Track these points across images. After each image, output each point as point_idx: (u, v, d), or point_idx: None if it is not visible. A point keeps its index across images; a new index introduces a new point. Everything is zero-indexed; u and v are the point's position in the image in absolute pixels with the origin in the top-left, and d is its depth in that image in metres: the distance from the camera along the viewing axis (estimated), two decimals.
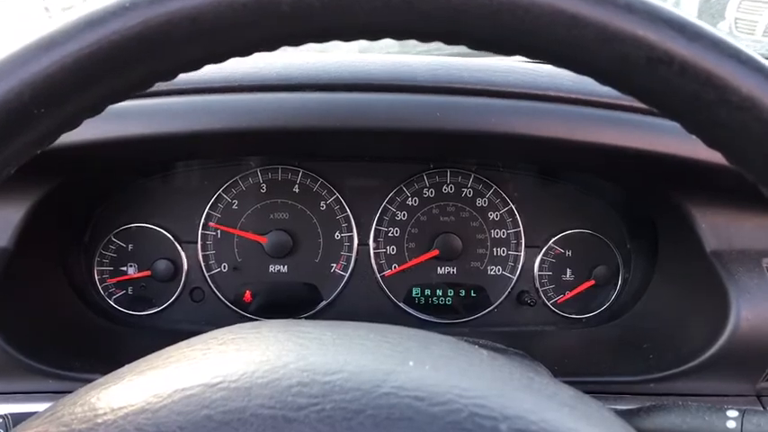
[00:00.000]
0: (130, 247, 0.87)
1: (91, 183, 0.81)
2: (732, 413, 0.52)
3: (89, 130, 0.64)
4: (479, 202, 0.90)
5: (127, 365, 0.37)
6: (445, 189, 0.90)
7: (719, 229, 0.72)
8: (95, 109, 0.37)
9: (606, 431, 0.35)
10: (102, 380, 0.36)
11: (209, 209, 0.87)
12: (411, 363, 0.36)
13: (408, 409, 0.33)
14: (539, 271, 0.90)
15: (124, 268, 0.87)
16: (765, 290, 0.69)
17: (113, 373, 0.36)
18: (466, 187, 0.89)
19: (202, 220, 0.87)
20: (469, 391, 0.34)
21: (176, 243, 0.87)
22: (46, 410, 0.35)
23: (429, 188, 0.90)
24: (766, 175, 0.36)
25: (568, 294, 0.90)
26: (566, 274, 0.90)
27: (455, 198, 0.90)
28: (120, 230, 0.87)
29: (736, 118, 0.34)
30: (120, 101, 0.37)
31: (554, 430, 0.33)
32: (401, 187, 0.89)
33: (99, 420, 0.33)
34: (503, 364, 0.39)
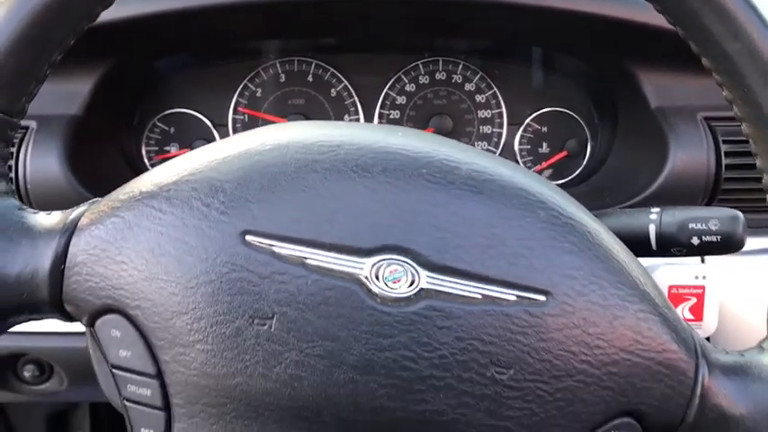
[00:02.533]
0: (172, 129, 1.03)
1: (138, 71, 0.97)
2: (655, 209, 0.62)
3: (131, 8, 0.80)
4: (468, 86, 1.05)
5: None
6: (438, 76, 1.05)
7: (662, 88, 0.87)
8: None
9: (545, 189, 0.49)
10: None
11: (238, 96, 1.03)
12: (400, 134, 0.51)
13: (398, 154, 0.46)
14: (519, 145, 1.05)
15: (168, 147, 1.03)
16: (697, 138, 0.85)
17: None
18: (456, 74, 1.05)
19: (232, 106, 1.03)
20: (444, 148, 0.47)
21: (211, 126, 1.03)
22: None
23: (424, 75, 1.05)
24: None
25: (544, 164, 1.05)
26: (542, 147, 1.05)
27: (446, 84, 1.05)
28: (164, 115, 1.03)
29: None
30: None
31: (500, 174, 0.48)
32: (400, 75, 1.04)
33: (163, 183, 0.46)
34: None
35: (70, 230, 0.45)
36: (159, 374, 0.44)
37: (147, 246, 0.43)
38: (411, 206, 0.44)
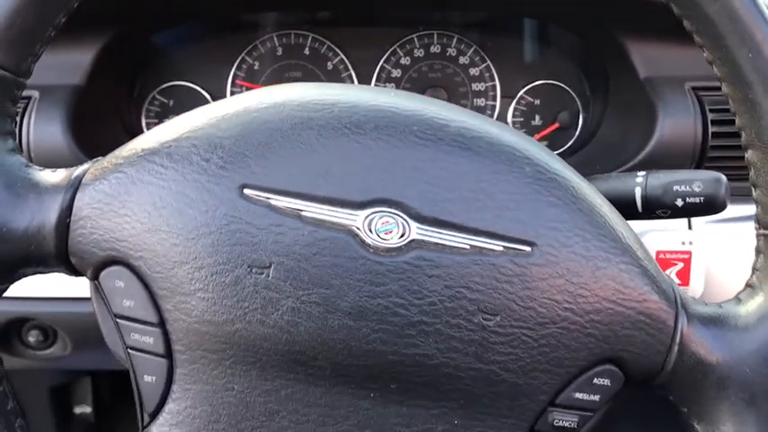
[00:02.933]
0: (171, 102, 1.05)
1: (137, 44, 0.98)
2: (641, 173, 0.64)
3: None
4: (462, 59, 1.06)
5: None
6: (432, 49, 1.06)
7: (650, 59, 0.89)
8: None
9: (531, 146, 0.50)
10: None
11: (236, 69, 1.05)
12: (392, 94, 0.53)
13: (389, 112, 0.48)
14: (512, 118, 1.07)
15: (167, 119, 1.05)
16: (685, 106, 0.87)
17: None
18: (450, 47, 1.06)
19: (230, 79, 1.05)
20: (433, 107, 0.49)
21: (209, 98, 1.05)
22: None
23: (419, 49, 1.06)
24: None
25: (537, 136, 1.07)
26: (534, 120, 1.07)
27: (441, 57, 1.07)
28: (163, 88, 1.05)
29: None
30: None
31: (488, 132, 0.50)
32: (395, 48, 1.06)
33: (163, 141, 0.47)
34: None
35: (75, 186, 0.47)
36: (161, 323, 0.46)
37: (149, 199, 0.45)
38: (402, 161, 0.46)
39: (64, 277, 0.79)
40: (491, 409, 0.46)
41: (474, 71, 1.06)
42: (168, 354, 0.46)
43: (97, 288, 0.48)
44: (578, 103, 1.06)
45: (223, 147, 0.46)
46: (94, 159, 0.49)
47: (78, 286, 0.81)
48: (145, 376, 0.47)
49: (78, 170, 0.48)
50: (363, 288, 0.44)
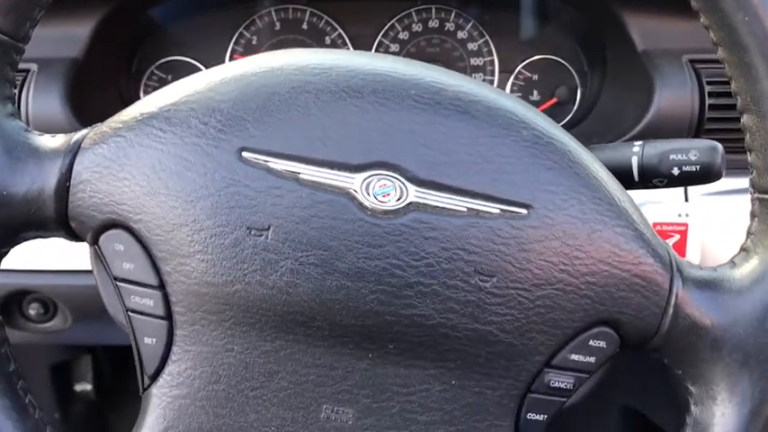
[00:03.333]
0: (170, 77, 1.05)
1: (135, 18, 0.98)
2: (638, 142, 0.64)
3: None
4: (460, 34, 1.06)
5: None
6: (431, 24, 1.06)
7: (648, 31, 0.89)
8: None
9: (528, 111, 0.50)
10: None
11: (234, 44, 1.05)
12: (389, 59, 0.52)
13: (387, 76, 0.48)
14: (510, 92, 1.08)
15: None
16: (682, 79, 0.87)
17: None
18: (448, 22, 1.06)
19: (228, 53, 1.05)
20: (431, 72, 0.49)
21: None
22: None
23: (417, 23, 1.06)
24: None
25: None
26: (532, 95, 1.07)
27: (439, 32, 1.06)
28: (161, 63, 1.05)
29: None
30: None
31: (485, 96, 0.50)
32: (393, 23, 1.06)
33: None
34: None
35: (74, 150, 0.47)
36: (161, 285, 0.46)
37: (148, 162, 0.46)
38: (399, 125, 0.46)
39: (64, 249, 0.79)
40: (487, 370, 0.47)
41: (472, 46, 1.06)
42: (168, 316, 0.47)
43: (97, 253, 0.48)
44: (576, 77, 1.06)
45: (221, 110, 0.46)
46: (93, 125, 0.49)
47: (78, 258, 0.82)
48: (145, 338, 0.47)
49: (77, 135, 0.49)
50: (361, 250, 0.45)
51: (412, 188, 0.46)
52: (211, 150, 0.45)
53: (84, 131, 0.49)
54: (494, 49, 1.06)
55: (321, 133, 0.46)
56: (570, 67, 1.06)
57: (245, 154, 0.45)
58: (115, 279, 0.47)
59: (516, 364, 0.47)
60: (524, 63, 1.06)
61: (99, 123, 0.50)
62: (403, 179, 0.46)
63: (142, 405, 0.49)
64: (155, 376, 0.48)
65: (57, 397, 1.32)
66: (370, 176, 0.46)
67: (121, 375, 1.50)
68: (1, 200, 0.46)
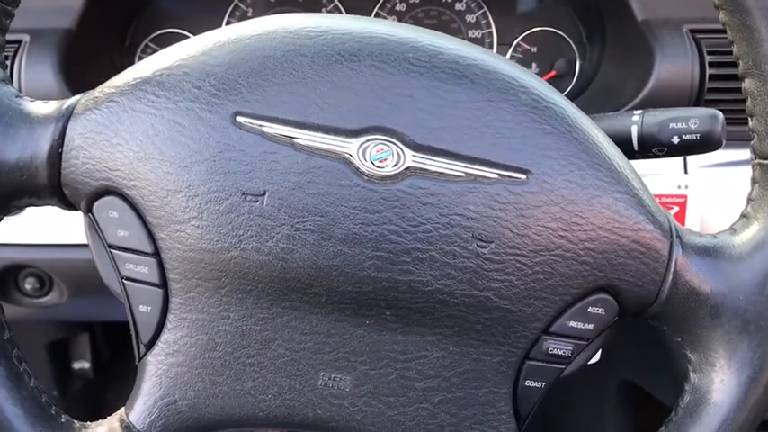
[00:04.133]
0: None
1: None
2: (637, 111, 0.64)
3: None
4: (458, 6, 1.05)
5: None
6: None
7: (647, 1, 0.88)
8: None
9: (527, 76, 0.49)
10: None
11: (229, 16, 1.04)
12: (386, 23, 0.51)
13: (383, 39, 0.47)
14: None
15: None
16: (682, 48, 0.86)
17: None
18: None
19: (224, 26, 1.04)
20: (428, 36, 0.48)
21: None
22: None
23: None
24: None
25: None
26: (531, 68, 1.06)
27: (437, 3, 1.05)
28: (156, 36, 1.03)
29: None
30: None
31: (483, 60, 0.49)
32: None
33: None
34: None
35: (66, 116, 0.47)
36: (156, 252, 0.46)
37: (141, 128, 0.45)
38: (396, 89, 0.45)
39: (59, 223, 0.79)
40: (485, 336, 0.46)
41: (470, 18, 1.05)
42: (163, 283, 0.46)
43: (91, 221, 0.48)
44: (575, 50, 1.05)
45: (215, 74, 0.45)
46: (86, 91, 0.48)
47: (74, 232, 0.82)
48: (140, 306, 0.47)
49: (70, 101, 0.48)
50: (358, 215, 0.44)
51: (409, 153, 0.45)
52: (205, 115, 0.45)
53: (77, 97, 0.48)
54: (492, 22, 1.05)
55: (317, 97, 0.45)
56: (569, 39, 1.05)
57: (239, 118, 0.45)
58: (109, 247, 0.47)
59: (514, 331, 0.47)
60: (523, 35, 1.05)
61: (92, 90, 0.49)
62: (400, 144, 0.45)
63: (138, 373, 0.48)
64: (150, 344, 0.47)
65: (55, 375, 1.32)
66: (366, 141, 0.45)
67: (119, 353, 1.50)
68: None
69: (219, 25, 1.03)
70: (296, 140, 0.45)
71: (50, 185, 0.46)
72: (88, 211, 0.47)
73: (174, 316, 0.46)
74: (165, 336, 0.47)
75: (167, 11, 1.03)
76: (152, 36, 1.03)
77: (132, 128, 0.45)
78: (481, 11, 1.05)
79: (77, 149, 0.46)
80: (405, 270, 0.44)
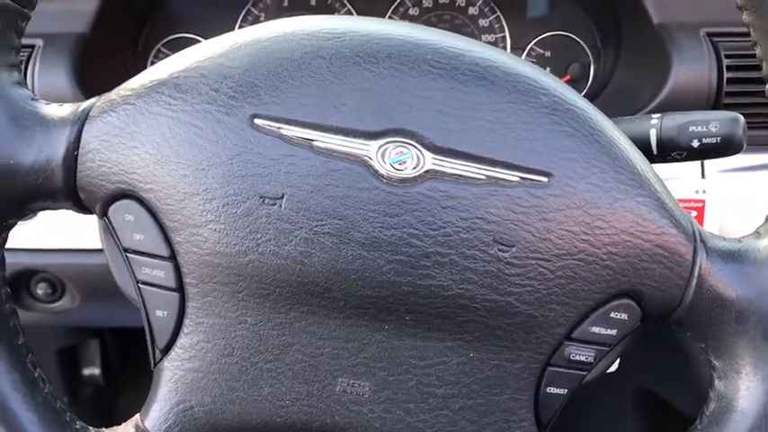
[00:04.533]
0: None
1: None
2: (656, 115, 0.63)
3: None
4: (471, 10, 1.05)
5: None
6: (441, 0, 1.05)
7: (664, 4, 0.87)
8: None
9: (547, 78, 0.48)
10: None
11: (241, 21, 1.03)
12: (404, 25, 0.51)
13: (402, 41, 0.46)
14: None
15: None
16: (699, 52, 0.85)
17: None
18: None
19: (236, 30, 1.03)
20: (447, 38, 0.48)
21: None
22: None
23: None
24: None
25: None
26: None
27: (450, 8, 1.05)
28: (168, 40, 1.03)
29: None
30: None
31: (503, 62, 0.48)
32: None
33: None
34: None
35: (82, 119, 0.46)
36: (172, 256, 0.45)
37: (158, 130, 0.45)
38: (416, 91, 0.45)
39: (72, 228, 0.78)
40: (506, 342, 0.46)
41: (483, 22, 1.05)
42: (180, 287, 0.46)
43: (106, 225, 0.47)
44: (589, 54, 1.05)
45: (232, 76, 0.45)
46: (102, 94, 0.48)
47: (86, 237, 0.81)
48: (156, 311, 0.46)
49: (86, 103, 0.47)
50: (377, 219, 0.43)
51: (429, 155, 0.44)
52: (222, 117, 0.44)
53: (93, 100, 0.48)
54: (505, 26, 1.05)
55: (335, 99, 0.44)
56: (583, 44, 1.04)
57: (257, 121, 0.44)
58: (125, 251, 0.46)
59: (536, 337, 0.46)
60: (536, 40, 1.05)
61: (107, 92, 0.49)
62: (419, 146, 0.44)
63: (153, 379, 0.48)
64: (166, 350, 0.47)
65: (65, 381, 1.32)
66: (385, 144, 0.44)
67: (129, 360, 1.50)
68: (8, 169, 0.45)
69: (232, 30, 1.03)
70: (314, 143, 0.44)
71: (66, 188, 0.46)
72: (104, 214, 0.47)
73: (191, 320, 0.46)
74: (181, 341, 0.46)
75: (180, 15, 1.03)
76: (165, 40, 1.03)
77: (149, 130, 0.45)
78: (494, 15, 1.04)
79: (93, 152, 0.45)
80: (425, 274, 0.44)
